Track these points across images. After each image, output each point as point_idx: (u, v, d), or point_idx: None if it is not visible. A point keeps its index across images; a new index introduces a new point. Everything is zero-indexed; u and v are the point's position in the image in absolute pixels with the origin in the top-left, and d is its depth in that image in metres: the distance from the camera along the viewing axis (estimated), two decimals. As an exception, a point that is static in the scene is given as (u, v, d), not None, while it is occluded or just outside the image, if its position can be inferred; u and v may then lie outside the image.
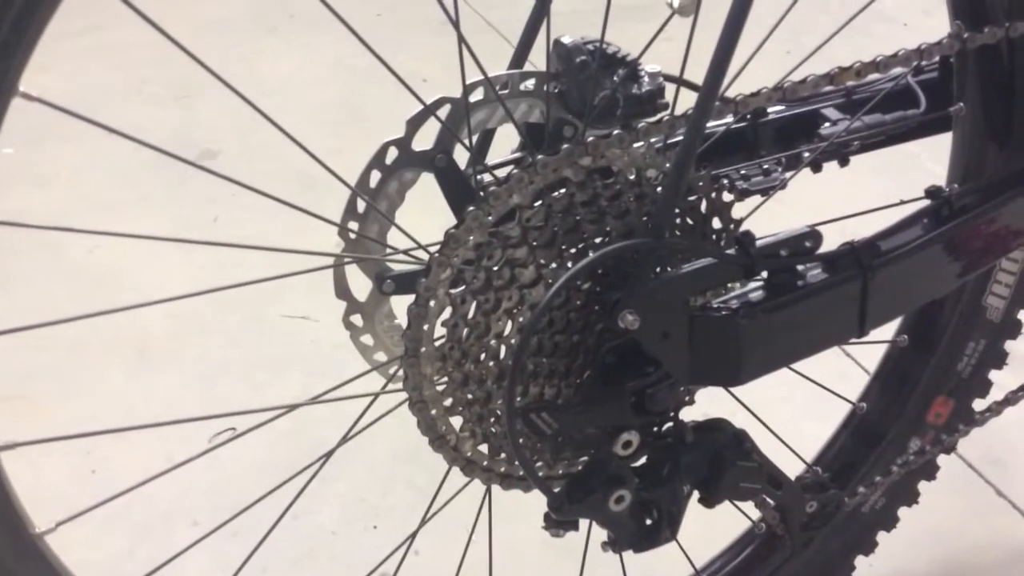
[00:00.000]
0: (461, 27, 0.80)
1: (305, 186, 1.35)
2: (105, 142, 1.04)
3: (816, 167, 1.01)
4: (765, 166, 0.97)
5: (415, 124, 0.85)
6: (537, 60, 0.91)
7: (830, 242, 0.89)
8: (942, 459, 1.24)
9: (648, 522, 0.91)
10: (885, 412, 1.19)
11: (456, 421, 0.88)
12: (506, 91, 0.87)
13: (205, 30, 2.95)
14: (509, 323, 0.85)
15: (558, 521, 0.89)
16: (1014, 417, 1.24)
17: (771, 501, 0.99)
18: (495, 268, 0.82)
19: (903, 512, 1.26)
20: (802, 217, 0.89)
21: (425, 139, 0.85)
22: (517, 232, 0.82)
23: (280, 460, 1.27)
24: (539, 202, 0.82)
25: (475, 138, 0.89)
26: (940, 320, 1.15)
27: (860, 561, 1.28)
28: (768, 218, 0.92)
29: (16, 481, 0.78)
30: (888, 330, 1.14)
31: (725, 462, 0.92)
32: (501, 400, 0.86)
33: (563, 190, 0.83)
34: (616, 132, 0.83)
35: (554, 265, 0.84)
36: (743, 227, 0.89)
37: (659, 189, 0.85)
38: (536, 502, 0.90)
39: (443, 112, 0.85)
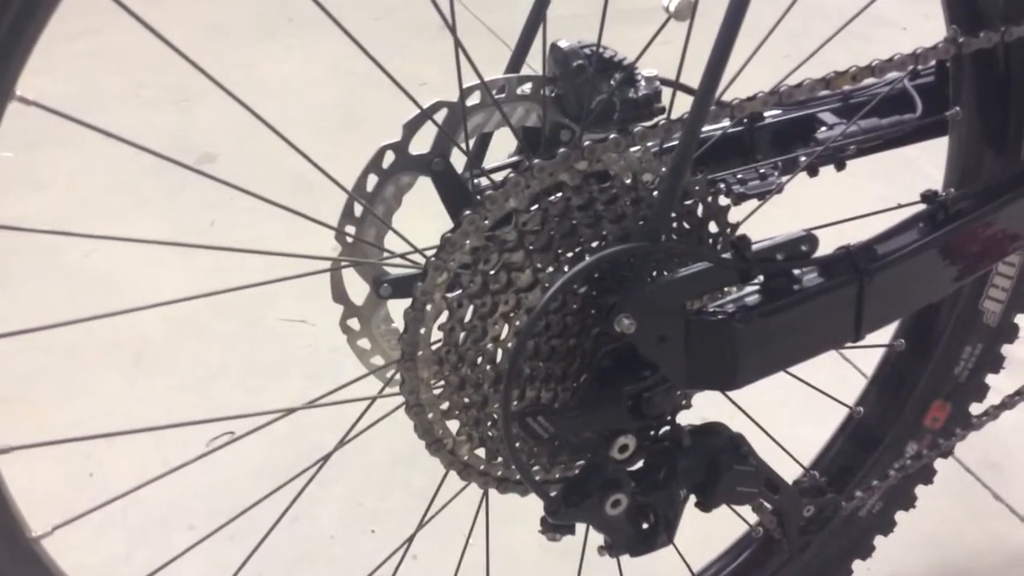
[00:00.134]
0: (459, 31, 0.80)
1: (303, 190, 1.35)
2: (103, 146, 1.04)
3: (812, 171, 1.01)
4: (762, 170, 0.97)
5: (412, 128, 0.85)
6: (534, 64, 0.91)
7: (829, 246, 0.89)
8: (939, 463, 1.24)
9: (645, 526, 0.91)
10: (882, 416, 1.20)
11: (453, 425, 0.88)
12: (503, 95, 0.87)
13: (204, 34, 2.96)
14: (506, 327, 0.85)
15: (555, 525, 0.89)
16: (1011, 421, 1.24)
17: (768, 505, 0.99)
18: (491, 272, 0.82)
19: (900, 516, 1.26)
20: (801, 221, 0.89)
21: (422, 143, 0.85)
22: (513, 236, 0.82)
23: (277, 464, 1.27)
24: (536, 206, 0.82)
25: (472, 142, 0.89)
26: (937, 324, 1.15)
27: (857, 565, 1.28)
28: (766, 222, 0.92)
29: (13, 484, 0.78)
30: (885, 334, 1.14)
31: (722, 466, 0.92)
32: (498, 404, 0.86)
33: (560, 194, 0.83)
34: (613, 136, 0.83)
35: (550, 269, 0.84)
36: (739, 231, 0.89)
37: (655, 193, 0.85)
38: (533, 506, 0.90)
39: (440, 116, 0.85)
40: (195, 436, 1.49)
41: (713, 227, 0.89)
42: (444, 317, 0.83)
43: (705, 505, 0.94)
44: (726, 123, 0.96)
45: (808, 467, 1.18)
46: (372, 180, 0.86)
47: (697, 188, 0.87)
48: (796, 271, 0.87)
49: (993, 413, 1.15)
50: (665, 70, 0.90)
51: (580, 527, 0.90)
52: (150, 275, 1.99)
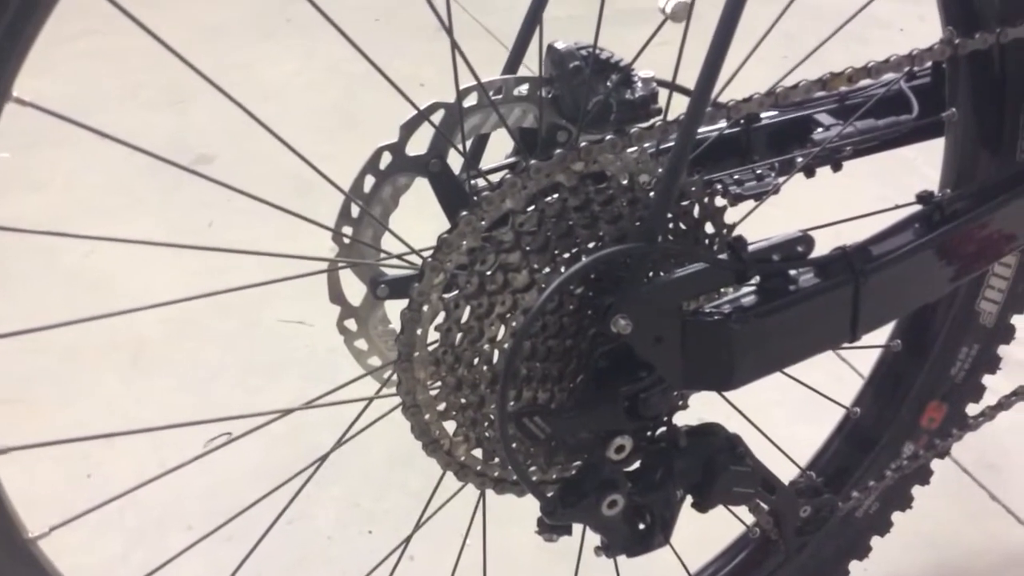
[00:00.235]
0: (457, 32, 0.80)
1: (300, 191, 1.35)
2: (100, 147, 1.04)
3: (809, 172, 1.01)
4: (758, 171, 0.97)
5: (409, 129, 0.85)
6: (531, 65, 0.91)
7: (826, 246, 0.89)
8: (936, 464, 1.24)
9: (641, 527, 0.91)
10: (879, 417, 1.20)
11: (450, 426, 0.88)
12: (500, 96, 0.88)
13: (202, 35, 2.96)
14: (502, 327, 0.85)
15: (551, 526, 0.89)
16: (1008, 422, 1.24)
17: (765, 506, 0.99)
18: (488, 273, 0.83)
19: (897, 517, 1.26)
20: (797, 221, 0.89)
21: (419, 144, 0.86)
22: (510, 237, 0.82)
23: (275, 464, 1.27)
24: (532, 207, 0.83)
25: (469, 143, 0.89)
26: (933, 325, 1.15)
27: (854, 566, 1.28)
28: (763, 222, 0.92)
29: (10, 485, 0.78)
30: (882, 335, 1.14)
31: (718, 467, 0.92)
32: (494, 404, 0.86)
33: (556, 195, 0.83)
34: (609, 137, 0.83)
35: (547, 270, 0.84)
36: (736, 232, 0.89)
37: (652, 194, 0.85)
38: (530, 507, 0.90)
39: (437, 117, 0.85)
40: (193, 437, 1.49)
41: (709, 228, 0.89)
42: (441, 318, 0.83)
43: (701, 506, 0.94)
44: (723, 124, 0.96)
45: (805, 468, 1.18)
46: (369, 181, 0.86)
47: (693, 189, 0.87)
48: (792, 272, 0.87)
49: (989, 414, 1.15)
50: (662, 71, 0.90)
51: (577, 528, 0.90)
52: (148, 276, 1.99)
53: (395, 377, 0.86)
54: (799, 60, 0.93)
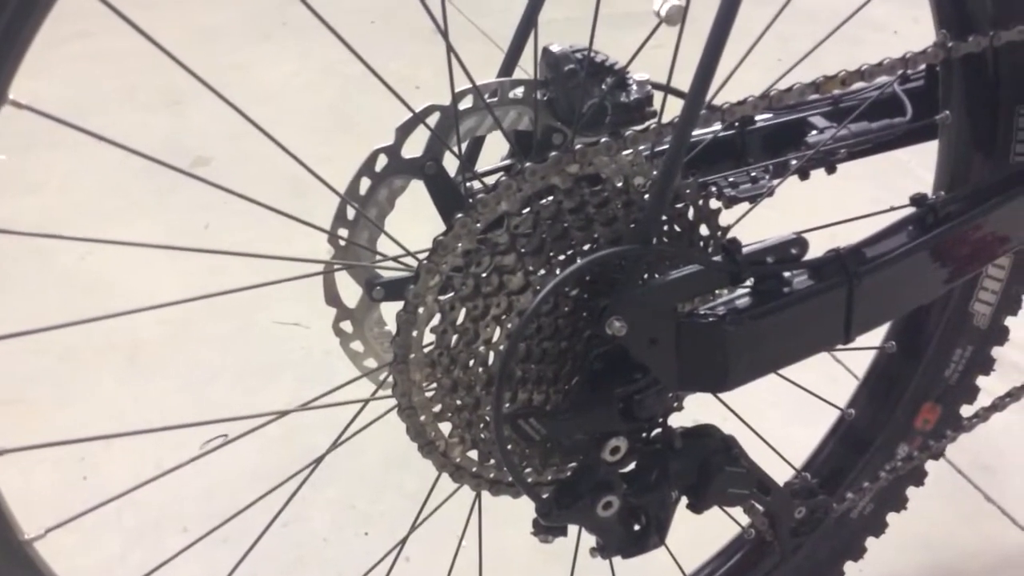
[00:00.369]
0: (453, 35, 0.80)
1: (296, 193, 1.35)
2: (96, 149, 1.04)
3: (803, 175, 1.01)
4: (753, 173, 0.97)
5: (405, 131, 0.85)
6: (527, 67, 0.91)
7: (820, 248, 0.89)
8: (931, 465, 1.25)
9: (636, 528, 0.91)
10: (873, 418, 1.20)
11: (445, 427, 0.89)
12: (495, 99, 0.88)
13: (198, 37, 2.96)
14: (497, 329, 0.85)
15: (547, 527, 0.89)
16: (1002, 423, 1.25)
17: (760, 507, 0.99)
18: (483, 275, 0.83)
19: (892, 518, 1.26)
20: (792, 224, 0.89)
21: (415, 146, 0.86)
22: (505, 239, 0.82)
23: (271, 466, 1.27)
24: (527, 209, 0.83)
25: (464, 146, 0.89)
26: (927, 326, 1.16)
27: (849, 567, 1.28)
28: (757, 225, 0.93)
29: (6, 486, 0.78)
30: (876, 336, 1.14)
31: (713, 468, 0.92)
32: (490, 406, 0.87)
33: (551, 197, 0.83)
34: (604, 140, 0.83)
35: (542, 272, 0.84)
36: (730, 234, 0.89)
37: (647, 196, 0.85)
38: (525, 508, 0.90)
39: (432, 120, 0.86)
40: (189, 438, 1.49)
41: (704, 230, 0.90)
42: (436, 320, 0.84)
43: (697, 507, 0.94)
44: (717, 127, 0.97)
45: (800, 469, 1.18)
46: (365, 183, 0.86)
47: (688, 191, 0.87)
48: (786, 274, 0.87)
49: (984, 415, 1.16)
50: (656, 74, 0.91)
51: (572, 529, 0.91)
52: (144, 278, 1.99)
53: (391, 379, 0.86)
54: (793, 63, 0.94)
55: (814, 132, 1.01)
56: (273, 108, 2.60)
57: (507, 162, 0.94)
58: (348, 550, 1.49)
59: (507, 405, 0.87)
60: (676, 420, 0.94)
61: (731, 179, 0.96)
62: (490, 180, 0.86)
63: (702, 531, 1.08)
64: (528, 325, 0.84)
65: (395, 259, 0.89)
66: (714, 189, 0.93)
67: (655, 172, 0.85)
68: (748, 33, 0.89)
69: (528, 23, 0.94)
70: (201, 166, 2.41)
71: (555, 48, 0.88)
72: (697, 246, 0.90)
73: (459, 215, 0.81)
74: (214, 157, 2.46)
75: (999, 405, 1.16)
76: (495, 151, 0.95)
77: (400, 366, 0.84)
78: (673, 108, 0.86)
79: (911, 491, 1.25)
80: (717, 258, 0.86)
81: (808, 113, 1.04)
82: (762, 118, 1.01)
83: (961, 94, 1.02)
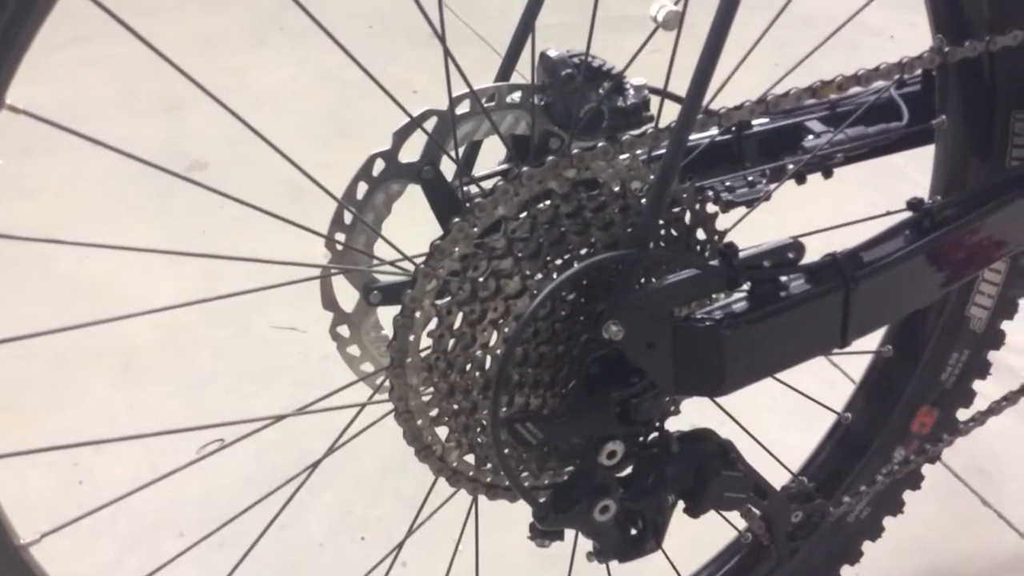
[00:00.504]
0: (450, 40, 0.80)
1: (293, 197, 1.35)
2: (94, 154, 1.04)
3: (800, 179, 1.02)
4: (750, 178, 0.98)
5: (402, 136, 0.85)
6: (524, 72, 0.91)
7: (817, 253, 0.89)
8: (927, 469, 1.25)
9: (633, 532, 0.91)
10: (870, 422, 1.20)
11: (442, 431, 0.89)
12: (492, 103, 0.88)
13: (196, 43, 2.96)
14: (494, 334, 0.85)
15: (544, 531, 0.89)
16: (998, 427, 1.25)
17: (756, 511, 0.99)
18: (480, 279, 0.83)
19: (888, 522, 1.27)
20: (789, 228, 0.89)
21: (412, 151, 0.86)
22: (502, 243, 0.82)
23: (267, 471, 1.27)
24: (524, 213, 0.83)
25: (461, 150, 0.89)
26: (924, 331, 1.16)
27: (846, 570, 1.28)
28: (755, 229, 0.93)
29: (1, 491, 0.78)
30: (873, 340, 1.15)
31: (710, 472, 0.92)
32: (487, 410, 0.87)
33: (548, 202, 0.83)
34: (601, 144, 0.83)
35: (539, 276, 0.85)
36: (727, 238, 0.89)
37: (644, 201, 0.85)
38: (522, 512, 0.90)
39: (430, 124, 0.86)
40: (185, 443, 1.49)
41: (701, 234, 0.90)
42: (433, 324, 0.84)
43: (693, 511, 0.94)
44: (714, 131, 0.97)
45: (796, 473, 1.18)
46: (362, 188, 0.86)
47: (685, 196, 0.87)
48: (783, 278, 0.87)
49: (980, 419, 1.16)
50: (653, 79, 0.91)
51: (569, 533, 0.90)
52: (141, 283, 1.99)
53: (387, 383, 0.86)
54: (790, 67, 0.94)
55: (811, 136, 1.02)
56: (270, 113, 2.60)
57: (504, 166, 0.94)
58: (344, 555, 1.49)
59: (504, 409, 0.87)
60: (673, 424, 0.94)
61: (728, 183, 0.97)
62: (487, 184, 0.87)
63: (699, 535, 1.08)
64: (525, 329, 0.84)
65: (392, 263, 0.89)
66: (711, 193, 0.94)
67: (652, 176, 0.85)
68: (745, 38, 0.89)
69: (525, 28, 0.95)
70: (198, 171, 2.41)
71: (552, 53, 0.88)
72: (694, 250, 0.90)
73: (456, 219, 0.82)
74: (211, 162, 2.46)
75: (995, 409, 1.16)
76: (492, 155, 0.96)
77: (397, 370, 0.84)
78: (670, 112, 0.86)
79: (908, 495, 1.26)
80: (714, 262, 0.86)
81: (805, 118, 1.04)
82: (759, 123, 1.02)
83: (957, 99, 1.02)
